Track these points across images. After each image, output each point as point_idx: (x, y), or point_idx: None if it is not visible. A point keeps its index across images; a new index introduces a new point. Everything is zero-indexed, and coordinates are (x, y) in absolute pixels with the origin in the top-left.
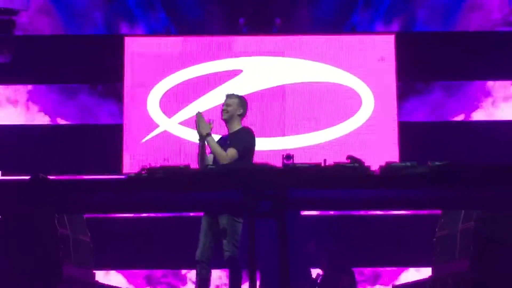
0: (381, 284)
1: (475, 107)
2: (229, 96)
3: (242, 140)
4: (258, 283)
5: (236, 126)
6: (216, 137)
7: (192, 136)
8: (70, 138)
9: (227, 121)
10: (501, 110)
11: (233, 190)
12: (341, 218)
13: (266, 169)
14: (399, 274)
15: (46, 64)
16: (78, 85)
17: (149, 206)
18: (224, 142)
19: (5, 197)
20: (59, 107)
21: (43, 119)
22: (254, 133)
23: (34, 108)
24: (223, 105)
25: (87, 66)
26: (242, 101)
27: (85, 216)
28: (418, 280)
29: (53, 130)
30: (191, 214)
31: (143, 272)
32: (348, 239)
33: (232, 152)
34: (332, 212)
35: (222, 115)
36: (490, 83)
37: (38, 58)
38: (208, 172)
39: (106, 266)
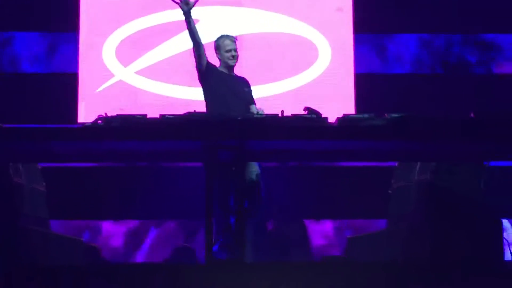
0: (334, 237)
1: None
2: (233, 38)
3: None
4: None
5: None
6: None
7: (149, 85)
8: (24, 87)
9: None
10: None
11: (192, 140)
12: (297, 169)
13: (224, 120)
14: (355, 225)
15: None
16: (33, 32)
17: (105, 156)
18: (236, 81)
19: None
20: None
21: None
22: None
23: None
24: (228, 50)
25: (42, 13)
26: None
27: (41, 165)
28: (372, 232)
29: (6, 78)
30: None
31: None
32: (303, 190)
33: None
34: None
35: (229, 60)
36: None
37: None
38: (166, 121)
39: (62, 216)
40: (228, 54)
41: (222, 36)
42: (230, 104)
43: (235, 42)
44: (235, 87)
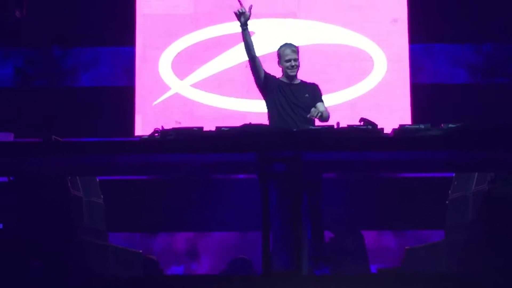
0: (393, 248)
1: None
2: (294, 48)
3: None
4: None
5: (297, 79)
6: None
7: (205, 98)
8: (82, 101)
9: (294, 76)
10: None
11: (247, 152)
12: (354, 181)
13: (280, 132)
14: (413, 236)
15: (59, 24)
16: (91, 47)
17: (162, 169)
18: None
19: (18, 159)
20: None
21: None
22: None
23: None
24: (287, 60)
25: (99, 27)
26: None
27: (98, 178)
28: (430, 243)
29: (64, 92)
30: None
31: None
32: (360, 201)
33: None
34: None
35: (288, 70)
36: None
37: (48, 19)
38: (221, 134)
39: (119, 228)
40: (288, 64)
41: (284, 45)
42: (289, 113)
43: (295, 51)
44: (294, 96)
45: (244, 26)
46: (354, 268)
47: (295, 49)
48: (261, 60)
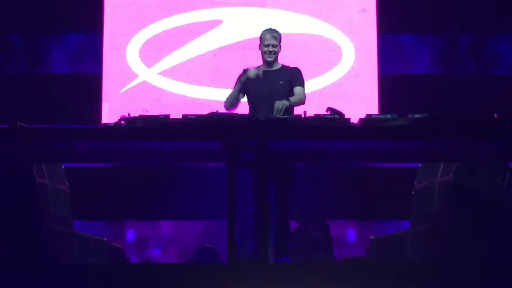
0: (357, 238)
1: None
2: (275, 33)
3: (303, 82)
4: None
5: (277, 64)
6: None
7: (172, 86)
8: (47, 87)
9: (271, 62)
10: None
11: (214, 140)
12: (319, 170)
13: (246, 120)
14: (378, 226)
15: (26, 11)
16: (58, 34)
17: (128, 156)
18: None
19: None
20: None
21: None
22: None
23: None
24: (266, 45)
25: (66, 13)
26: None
27: (64, 165)
28: (395, 233)
29: (31, 78)
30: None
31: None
32: (324, 191)
33: (302, 91)
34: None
35: (265, 55)
36: None
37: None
38: (188, 122)
39: (85, 216)
40: (266, 49)
41: (265, 30)
42: (264, 102)
43: (276, 38)
44: (270, 82)
45: (243, 84)
46: (320, 258)
47: (276, 36)
48: (230, 48)
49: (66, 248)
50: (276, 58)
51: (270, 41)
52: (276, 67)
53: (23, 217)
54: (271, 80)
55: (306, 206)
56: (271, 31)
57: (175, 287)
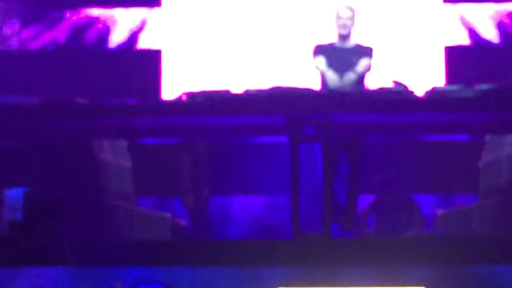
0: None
1: None
2: (348, 8)
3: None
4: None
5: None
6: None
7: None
8: (108, 65)
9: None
10: None
11: (275, 114)
12: (386, 144)
13: (309, 93)
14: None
15: None
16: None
17: (190, 131)
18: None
19: (44, 122)
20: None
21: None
22: None
23: None
24: (341, 17)
25: None
26: None
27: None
28: (463, 206)
29: (90, 56)
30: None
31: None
32: (391, 166)
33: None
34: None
35: (338, 28)
36: None
37: None
38: (250, 96)
39: (148, 192)
40: (338, 22)
41: (340, 6)
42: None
43: (349, 12)
44: (341, 60)
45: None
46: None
47: (349, 10)
48: None
49: (128, 224)
50: (349, 34)
51: (344, 13)
52: (350, 45)
53: (86, 193)
54: (343, 58)
55: (386, 178)
56: (345, 6)
57: (239, 262)
